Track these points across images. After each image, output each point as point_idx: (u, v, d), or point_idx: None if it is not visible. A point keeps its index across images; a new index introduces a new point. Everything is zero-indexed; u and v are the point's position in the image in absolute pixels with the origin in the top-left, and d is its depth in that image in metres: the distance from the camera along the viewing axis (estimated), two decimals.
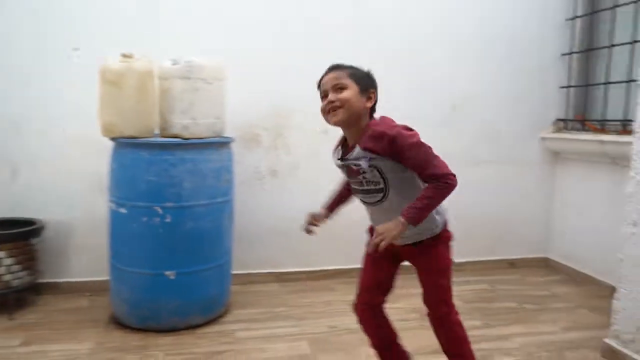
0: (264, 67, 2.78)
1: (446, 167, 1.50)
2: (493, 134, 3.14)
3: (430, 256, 1.64)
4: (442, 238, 1.65)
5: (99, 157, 2.51)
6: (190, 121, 2.24)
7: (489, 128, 3.13)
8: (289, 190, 2.92)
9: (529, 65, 3.12)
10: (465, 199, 3.10)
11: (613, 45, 2.85)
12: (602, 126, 2.90)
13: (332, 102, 1.50)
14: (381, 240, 1.47)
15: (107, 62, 2.19)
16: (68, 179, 2.68)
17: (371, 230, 1.75)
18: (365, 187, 1.58)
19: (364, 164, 1.52)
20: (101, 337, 2.24)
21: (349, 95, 1.50)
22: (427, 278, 1.68)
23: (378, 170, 1.52)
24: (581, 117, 3.07)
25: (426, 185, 1.51)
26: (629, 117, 2.66)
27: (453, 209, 3.01)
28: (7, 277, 2.41)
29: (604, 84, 2.91)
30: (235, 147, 2.61)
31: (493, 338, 2.26)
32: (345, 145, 1.60)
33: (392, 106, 2.89)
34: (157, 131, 2.37)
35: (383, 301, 1.74)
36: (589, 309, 2.59)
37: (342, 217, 2.92)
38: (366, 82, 1.55)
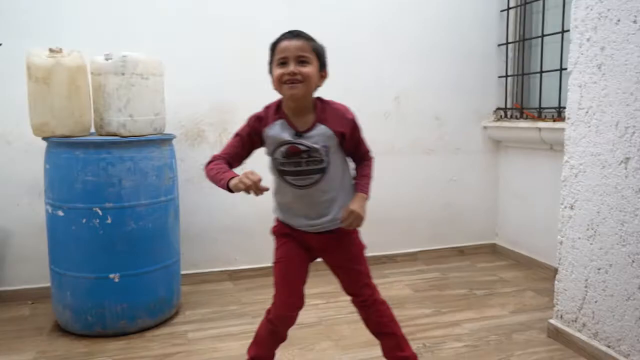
0: (205, 63, 2.67)
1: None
2: (437, 124, 3.13)
3: (347, 243, 1.61)
4: None
5: (34, 158, 2.37)
6: (128, 118, 2.12)
7: (432, 118, 3.12)
8: None
9: (467, 56, 3.12)
10: (414, 188, 3.13)
11: (545, 35, 2.89)
12: (539, 114, 2.93)
13: (294, 74, 1.41)
14: (361, 220, 1.51)
15: (33, 57, 2.03)
16: (0, 182, 2.50)
17: (277, 230, 1.63)
18: (304, 168, 1.49)
19: (319, 142, 1.47)
20: (44, 345, 2.10)
21: (311, 71, 1.43)
22: (347, 266, 1.63)
23: (326, 150, 1.49)
24: (519, 106, 3.10)
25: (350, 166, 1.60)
26: (564, 105, 2.72)
27: (403, 199, 3.10)
28: None
29: (539, 72, 2.94)
30: (179, 144, 2.51)
31: (444, 325, 2.24)
32: (288, 121, 1.49)
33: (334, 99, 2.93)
34: (93, 130, 2.24)
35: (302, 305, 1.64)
36: (535, 291, 2.61)
37: None
38: (324, 59, 1.51)
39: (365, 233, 2.97)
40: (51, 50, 2.05)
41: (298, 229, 1.58)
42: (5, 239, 2.54)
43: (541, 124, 2.78)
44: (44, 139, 2.16)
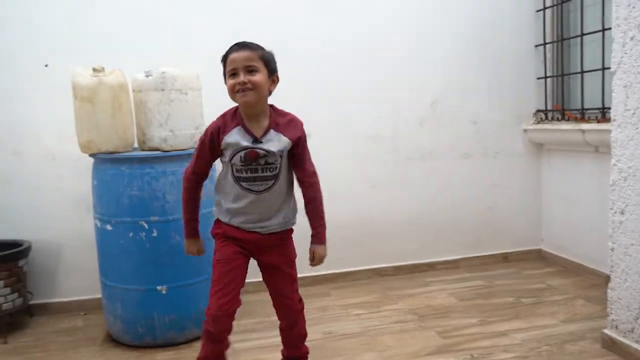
0: None
1: None
2: (475, 128, 3.02)
3: (287, 246, 1.67)
4: (292, 230, 1.68)
5: (81, 174, 2.41)
6: (169, 133, 2.12)
7: (470, 123, 3.01)
8: None
9: (503, 59, 3.00)
10: (453, 193, 3.02)
11: (584, 34, 2.74)
12: (582, 115, 2.78)
13: (244, 83, 1.47)
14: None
15: (77, 77, 2.06)
16: (50, 198, 2.54)
17: (220, 232, 1.63)
18: (260, 174, 1.55)
19: (275, 147, 1.53)
20: (98, 356, 2.11)
21: (260, 78, 1.49)
22: (284, 269, 1.67)
23: (282, 154, 1.56)
24: (560, 107, 2.96)
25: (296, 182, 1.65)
26: (607, 105, 2.54)
27: (441, 205, 2.99)
28: None
29: (579, 73, 2.79)
30: None
31: (492, 335, 2.13)
32: (245, 128, 1.54)
33: (368, 107, 2.83)
34: (136, 145, 2.26)
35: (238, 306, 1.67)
36: (586, 299, 2.45)
37: (334, 220, 2.87)
38: (273, 66, 1.55)
39: (404, 240, 2.97)
40: (94, 70, 2.07)
41: (247, 230, 1.60)
42: (57, 253, 2.58)
43: (585, 126, 2.64)
44: (91, 155, 2.18)
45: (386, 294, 2.67)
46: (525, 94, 3.08)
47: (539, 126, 3.02)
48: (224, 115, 1.59)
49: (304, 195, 1.65)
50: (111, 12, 2.54)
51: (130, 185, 2.08)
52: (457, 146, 3.02)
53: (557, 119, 2.97)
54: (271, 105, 1.60)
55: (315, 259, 1.64)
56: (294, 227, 1.68)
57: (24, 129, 2.51)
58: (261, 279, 2.77)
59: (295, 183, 1.67)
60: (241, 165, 1.54)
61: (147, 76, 2.13)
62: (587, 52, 2.78)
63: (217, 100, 2.46)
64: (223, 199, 1.62)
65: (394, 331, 2.22)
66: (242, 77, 1.47)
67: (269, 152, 1.53)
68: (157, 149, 2.15)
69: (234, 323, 1.66)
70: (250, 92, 1.48)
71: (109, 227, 2.14)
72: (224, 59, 1.53)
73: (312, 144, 2.70)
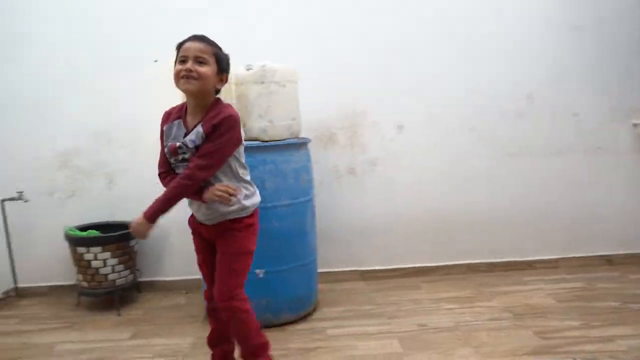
0: (336, 67, 2.68)
1: (207, 169, 1.52)
2: (576, 122, 2.82)
3: (232, 237, 1.61)
4: (244, 222, 1.62)
5: None
6: (268, 124, 2.19)
7: (571, 116, 2.82)
8: (367, 188, 2.79)
9: (612, 47, 2.78)
10: (551, 190, 2.86)
11: None
12: None
13: (190, 70, 1.48)
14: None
15: None
16: (158, 185, 2.75)
17: (189, 223, 1.72)
18: (180, 172, 1.55)
19: (190, 139, 1.51)
20: (200, 332, 2.23)
21: (207, 71, 1.50)
22: (224, 260, 1.62)
23: (197, 148, 1.52)
24: None
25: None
26: None
27: (538, 202, 2.85)
28: (113, 276, 2.49)
29: None
30: (312, 147, 2.52)
31: (596, 340, 1.99)
32: (184, 121, 1.55)
33: (463, 99, 2.76)
34: None
35: None
36: None
37: (426, 213, 2.87)
38: (224, 65, 1.56)
39: (499, 237, 2.86)
40: None
41: (200, 222, 1.66)
42: (163, 235, 2.76)
43: None
44: None
45: (480, 290, 2.59)
46: (635, 86, 2.83)
47: None
48: (173, 107, 1.63)
49: None
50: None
51: None
52: (556, 140, 2.85)
53: None
54: (217, 100, 1.58)
55: (131, 226, 1.58)
56: (245, 218, 1.64)
57: (137, 122, 2.71)
58: (344, 268, 2.84)
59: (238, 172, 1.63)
60: (171, 161, 1.59)
61: (247, 69, 2.20)
62: None
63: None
64: None
65: (489, 328, 2.15)
66: (189, 65, 1.49)
67: (184, 145, 1.52)
68: (257, 139, 2.21)
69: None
70: (194, 82, 1.49)
71: None
72: (179, 47, 1.54)
73: (406, 137, 2.77)
